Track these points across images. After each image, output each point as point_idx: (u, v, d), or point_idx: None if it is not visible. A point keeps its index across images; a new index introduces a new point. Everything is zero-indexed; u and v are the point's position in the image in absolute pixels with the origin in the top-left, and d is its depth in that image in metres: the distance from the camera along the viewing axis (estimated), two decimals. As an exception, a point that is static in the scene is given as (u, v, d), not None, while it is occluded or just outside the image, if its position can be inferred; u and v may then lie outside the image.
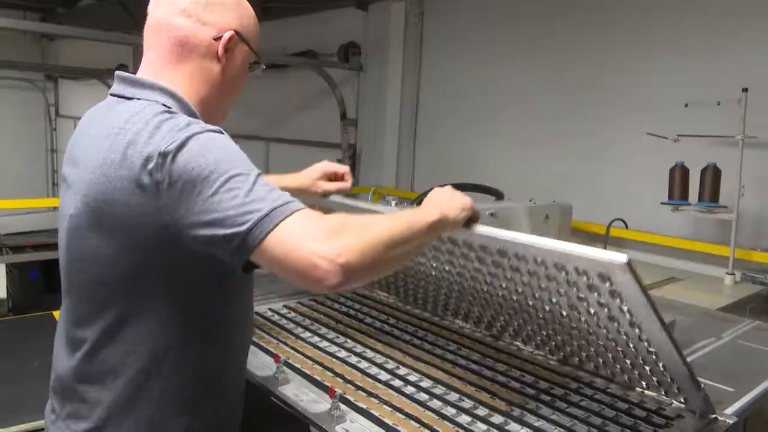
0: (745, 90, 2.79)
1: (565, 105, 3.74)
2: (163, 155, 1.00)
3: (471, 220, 1.33)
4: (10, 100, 10.09)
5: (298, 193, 1.46)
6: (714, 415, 1.40)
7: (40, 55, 10.43)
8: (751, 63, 2.99)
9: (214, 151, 1.01)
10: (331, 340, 1.79)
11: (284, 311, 2.05)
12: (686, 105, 3.00)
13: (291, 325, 1.92)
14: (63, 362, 1.19)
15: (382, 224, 1.06)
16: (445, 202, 1.27)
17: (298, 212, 0.98)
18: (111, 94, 1.19)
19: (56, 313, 3.05)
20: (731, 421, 1.40)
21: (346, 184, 1.79)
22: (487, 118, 4.15)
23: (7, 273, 5.27)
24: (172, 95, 1.15)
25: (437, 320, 2.01)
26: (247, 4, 1.28)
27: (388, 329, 1.91)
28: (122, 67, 8.05)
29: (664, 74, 3.31)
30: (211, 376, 1.21)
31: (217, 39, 1.19)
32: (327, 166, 1.79)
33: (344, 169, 1.81)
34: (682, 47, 3.26)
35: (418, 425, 1.33)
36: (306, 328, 1.89)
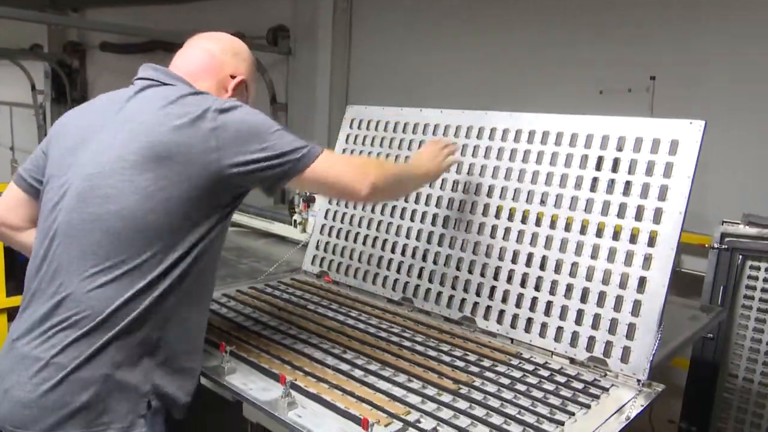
0: (653, 78, 3.02)
1: (491, 87, 3.90)
2: (218, 110, 1.33)
3: (452, 164, 1.92)
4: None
5: None
6: (641, 382, 1.56)
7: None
8: (659, 53, 3.22)
9: (257, 115, 1.38)
10: (274, 328, 1.86)
11: (224, 300, 2.10)
12: (600, 92, 3.22)
13: (232, 314, 1.97)
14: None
15: (392, 167, 1.72)
16: (429, 160, 1.80)
17: (327, 150, 1.44)
18: (144, 78, 1.45)
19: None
20: (660, 389, 1.57)
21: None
22: (418, 101, 4.25)
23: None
24: (196, 90, 1.44)
25: (380, 305, 2.12)
26: (254, 65, 1.65)
27: (331, 315, 2.00)
28: (37, 47, 7.66)
29: (580, 62, 3.51)
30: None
31: (232, 77, 1.54)
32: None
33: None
34: (598, 36, 3.47)
35: (370, 407, 1.41)
36: (248, 317, 1.95)
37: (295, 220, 2.79)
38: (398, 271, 2.15)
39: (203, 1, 5.55)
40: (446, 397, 1.49)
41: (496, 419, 1.40)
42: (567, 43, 3.58)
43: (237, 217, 3.36)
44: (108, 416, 1.25)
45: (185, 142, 1.29)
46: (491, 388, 1.55)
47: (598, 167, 1.76)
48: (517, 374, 1.63)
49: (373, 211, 2.25)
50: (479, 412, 1.43)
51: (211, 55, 1.53)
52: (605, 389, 1.56)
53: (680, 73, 3.14)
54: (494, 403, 1.47)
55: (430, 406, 1.44)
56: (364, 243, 2.26)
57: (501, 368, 1.66)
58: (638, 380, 1.58)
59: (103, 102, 1.48)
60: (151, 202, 1.28)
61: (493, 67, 3.95)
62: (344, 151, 2.37)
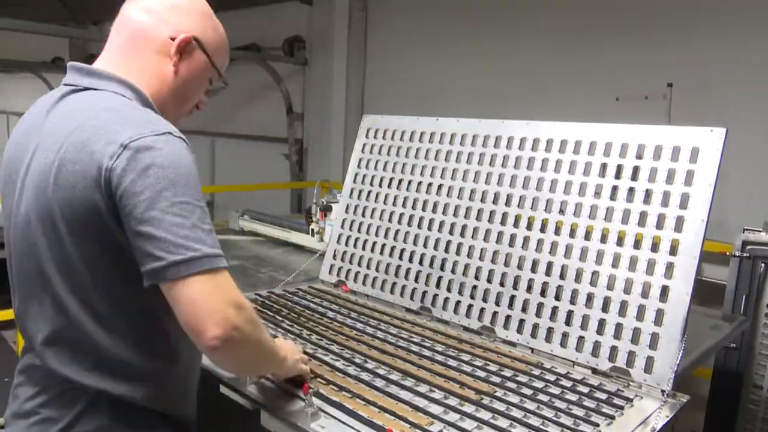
0: (670, 85, 3.00)
1: (507, 96, 3.90)
2: (124, 147, 1.03)
3: (303, 380, 1.50)
4: None
5: None
6: (666, 393, 1.54)
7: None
8: (675, 60, 3.20)
9: (175, 168, 1.05)
10: (294, 336, 1.86)
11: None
12: (617, 99, 3.20)
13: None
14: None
15: (264, 333, 1.21)
16: (290, 351, 1.46)
17: (223, 271, 1.07)
18: (65, 84, 1.20)
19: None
20: (685, 399, 1.55)
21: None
22: (434, 109, 4.26)
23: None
24: (129, 86, 1.18)
25: (399, 314, 2.11)
26: (217, 20, 1.31)
27: (350, 323, 2.00)
28: (59, 60, 7.79)
29: (596, 69, 3.50)
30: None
31: (173, 39, 1.21)
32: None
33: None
34: (614, 45, 3.46)
35: (393, 417, 1.39)
36: (266, 324, 1.95)
37: (312, 229, 2.80)
38: (416, 280, 2.14)
39: (219, 13, 5.60)
40: (468, 408, 1.47)
41: (520, 430, 1.39)
42: (583, 51, 3.57)
43: (255, 226, 3.38)
44: None
45: (82, 185, 1.06)
46: (513, 398, 1.53)
47: (618, 176, 1.75)
48: (539, 384, 1.61)
49: (390, 220, 2.25)
50: (502, 422, 1.41)
51: (138, 19, 1.21)
52: (629, 400, 1.54)
53: (698, 80, 3.12)
54: (517, 413, 1.45)
55: (452, 417, 1.42)
56: (381, 252, 2.26)
57: (522, 378, 1.64)
58: (662, 391, 1.56)
59: (30, 118, 1.23)
60: (77, 253, 1.11)
61: (509, 76, 3.95)
62: (360, 161, 2.37)
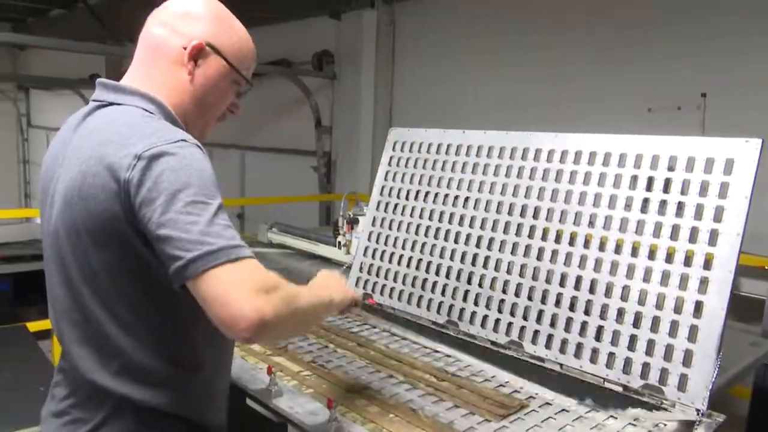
0: (704, 95, 2.93)
1: (536, 107, 3.86)
2: (138, 157, 1.06)
3: (354, 305, 1.53)
4: (-20, 109, 9.94)
5: None
6: (701, 412, 1.49)
7: (12, 64, 10.27)
8: (709, 69, 3.14)
9: (187, 170, 1.07)
10: (320, 350, 1.86)
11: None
12: (649, 110, 3.14)
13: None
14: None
15: (301, 299, 1.17)
16: (335, 287, 1.43)
17: (245, 260, 1.05)
18: (92, 100, 1.24)
19: (30, 325, 3.05)
20: (721, 419, 1.50)
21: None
22: (460, 122, 4.25)
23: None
24: (151, 100, 1.20)
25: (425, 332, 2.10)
26: (235, 22, 1.30)
27: (375, 338, 1.99)
28: (96, 76, 8.00)
29: (628, 79, 3.45)
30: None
31: (186, 48, 1.21)
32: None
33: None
34: (645, 55, 3.40)
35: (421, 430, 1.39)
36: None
37: (339, 242, 2.80)
38: (443, 293, 2.12)
39: (250, 29, 5.70)
40: (494, 425, 1.45)
41: (547, 448, 1.36)
42: (614, 62, 3.53)
43: (282, 238, 3.40)
44: None
45: (102, 196, 1.09)
46: (543, 414, 1.51)
47: (649, 188, 1.70)
48: (570, 401, 1.59)
49: (417, 233, 2.23)
50: (530, 439, 1.39)
51: (153, 37, 1.23)
52: (663, 419, 1.50)
53: (733, 90, 3.05)
54: (548, 429, 1.43)
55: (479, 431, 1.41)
56: (408, 265, 2.25)
57: (551, 395, 1.62)
58: (697, 410, 1.51)
59: (62, 133, 1.27)
60: (98, 264, 1.14)
61: (537, 87, 3.92)
62: (387, 173, 2.37)
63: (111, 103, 1.20)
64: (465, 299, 2.05)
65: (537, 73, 3.92)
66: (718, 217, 1.56)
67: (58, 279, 1.20)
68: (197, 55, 1.22)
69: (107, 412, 1.17)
